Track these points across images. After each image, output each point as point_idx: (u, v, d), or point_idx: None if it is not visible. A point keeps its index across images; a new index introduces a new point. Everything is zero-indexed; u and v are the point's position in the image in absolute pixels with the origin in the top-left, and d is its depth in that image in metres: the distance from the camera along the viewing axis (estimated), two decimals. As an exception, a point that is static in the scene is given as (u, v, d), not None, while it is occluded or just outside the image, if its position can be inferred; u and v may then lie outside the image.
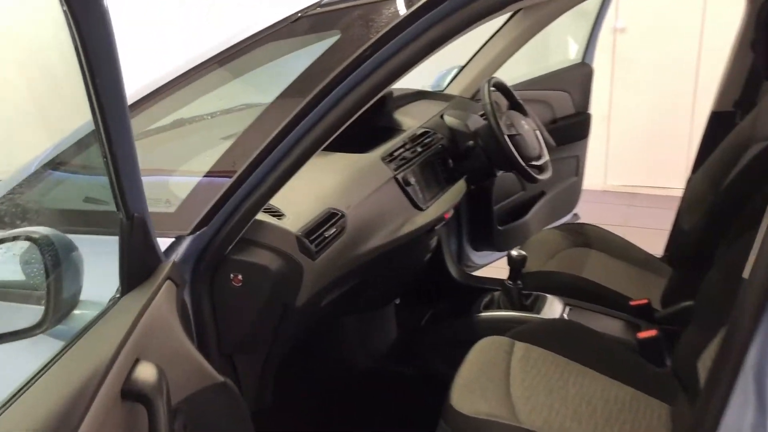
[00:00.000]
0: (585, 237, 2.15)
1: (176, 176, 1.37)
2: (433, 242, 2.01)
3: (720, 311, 1.14)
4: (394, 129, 1.97)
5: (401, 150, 1.75)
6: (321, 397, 1.86)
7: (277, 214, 1.29)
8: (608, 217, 4.04)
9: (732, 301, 0.88)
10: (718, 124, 2.03)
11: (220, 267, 1.18)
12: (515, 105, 2.12)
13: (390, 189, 1.62)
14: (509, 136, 1.90)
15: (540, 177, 1.96)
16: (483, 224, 2.50)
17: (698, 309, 1.45)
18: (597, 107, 2.85)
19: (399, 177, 1.65)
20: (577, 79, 2.75)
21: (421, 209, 1.70)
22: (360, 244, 1.46)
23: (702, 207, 1.64)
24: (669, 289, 1.78)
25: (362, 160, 1.64)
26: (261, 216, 1.21)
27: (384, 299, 1.98)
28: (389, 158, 1.69)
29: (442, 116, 2.07)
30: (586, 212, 3.00)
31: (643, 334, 1.63)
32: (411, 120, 2.00)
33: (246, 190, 1.12)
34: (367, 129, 1.98)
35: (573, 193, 2.96)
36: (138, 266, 0.93)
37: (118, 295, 0.90)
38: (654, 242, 2.25)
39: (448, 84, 2.50)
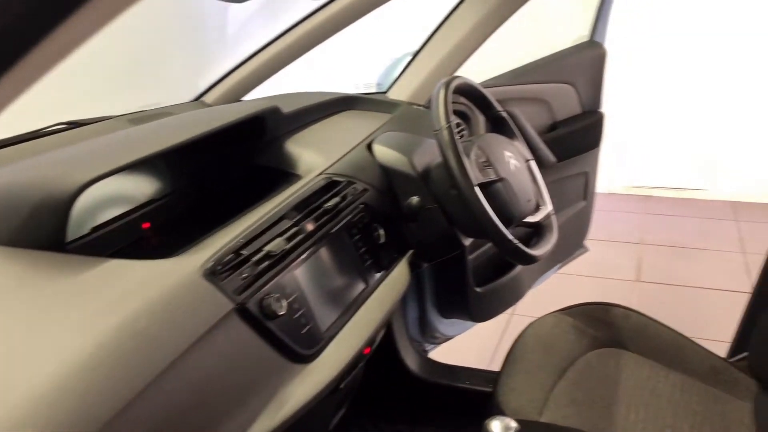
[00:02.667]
0: (613, 329, 1.33)
1: None
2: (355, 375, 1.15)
3: None
4: (281, 175, 1.12)
5: (266, 236, 0.88)
6: None
7: None
8: (622, 232, 3.23)
9: None
10: None
11: None
12: (495, 122, 1.26)
13: (224, 338, 0.73)
14: (483, 184, 1.06)
15: (537, 253, 1.11)
16: (454, 285, 1.67)
17: None
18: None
19: (250, 306, 0.78)
20: (583, 64, 1.91)
21: (305, 359, 0.85)
22: None
23: None
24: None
25: (148, 284, 0.71)
26: None
27: None
28: (228, 266, 0.79)
29: (369, 145, 1.22)
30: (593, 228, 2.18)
31: None
32: (314, 155, 1.14)
33: None
34: (215, 179, 1.14)
35: (581, 225, 2.14)
36: None
37: None
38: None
39: (394, 82, 1.64)
